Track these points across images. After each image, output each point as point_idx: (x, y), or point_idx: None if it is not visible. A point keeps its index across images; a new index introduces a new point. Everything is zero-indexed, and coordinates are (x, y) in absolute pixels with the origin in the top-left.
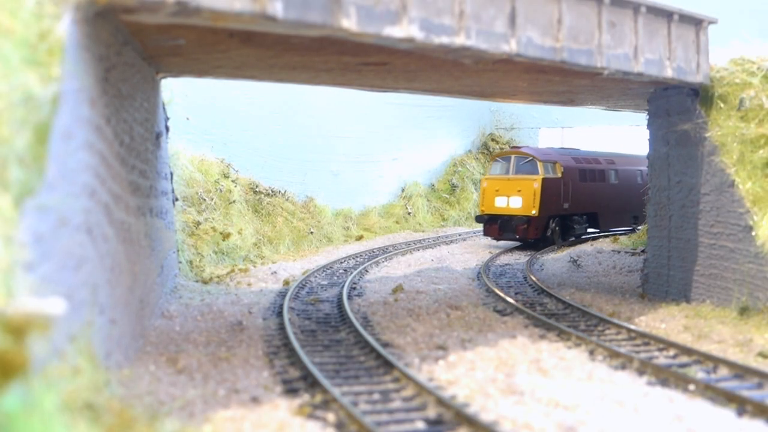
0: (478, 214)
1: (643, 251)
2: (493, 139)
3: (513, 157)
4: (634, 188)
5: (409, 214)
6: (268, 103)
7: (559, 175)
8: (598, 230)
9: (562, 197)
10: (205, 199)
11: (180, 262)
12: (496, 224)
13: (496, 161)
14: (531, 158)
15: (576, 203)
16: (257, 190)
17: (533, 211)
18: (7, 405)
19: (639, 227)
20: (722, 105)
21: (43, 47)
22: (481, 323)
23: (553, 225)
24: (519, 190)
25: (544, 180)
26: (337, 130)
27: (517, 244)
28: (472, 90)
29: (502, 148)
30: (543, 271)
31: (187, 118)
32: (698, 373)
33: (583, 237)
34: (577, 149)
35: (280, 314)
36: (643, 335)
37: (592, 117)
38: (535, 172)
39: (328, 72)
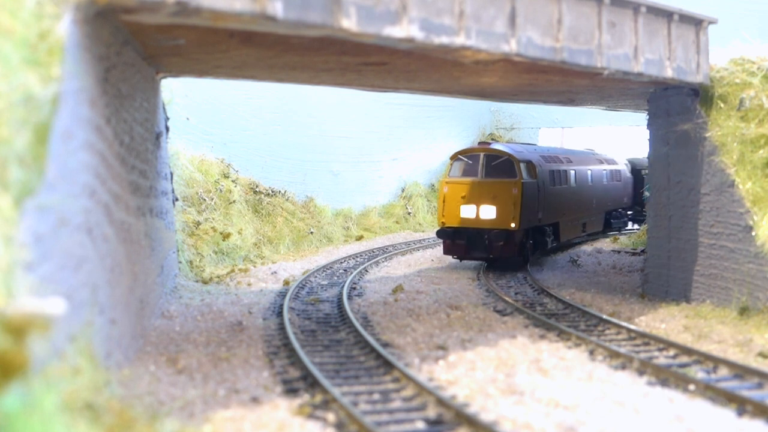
0: (438, 228)
1: (643, 251)
2: (493, 139)
3: (482, 155)
4: (585, 191)
5: (409, 214)
6: (268, 103)
7: (535, 177)
8: (557, 243)
9: (538, 204)
10: (205, 199)
11: (180, 262)
12: (462, 240)
13: (459, 160)
14: (506, 157)
15: (547, 212)
16: (257, 190)
17: (512, 224)
18: (7, 405)
19: (589, 236)
20: (722, 105)
21: (43, 47)
22: (481, 323)
23: (529, 240)
24: (493, 197)
25: (524, 185)
26: (337, 130)
27: None
28: (472, 90)
29: None
30: (543, 271)
31: (187, 118)
32: (698, 373)
33: (546, 250)
34: (535, 145)
35: (280, 314)
36: (643, 335)
37: (592, 117)
38: (512, 174)
39: (328, 72)
